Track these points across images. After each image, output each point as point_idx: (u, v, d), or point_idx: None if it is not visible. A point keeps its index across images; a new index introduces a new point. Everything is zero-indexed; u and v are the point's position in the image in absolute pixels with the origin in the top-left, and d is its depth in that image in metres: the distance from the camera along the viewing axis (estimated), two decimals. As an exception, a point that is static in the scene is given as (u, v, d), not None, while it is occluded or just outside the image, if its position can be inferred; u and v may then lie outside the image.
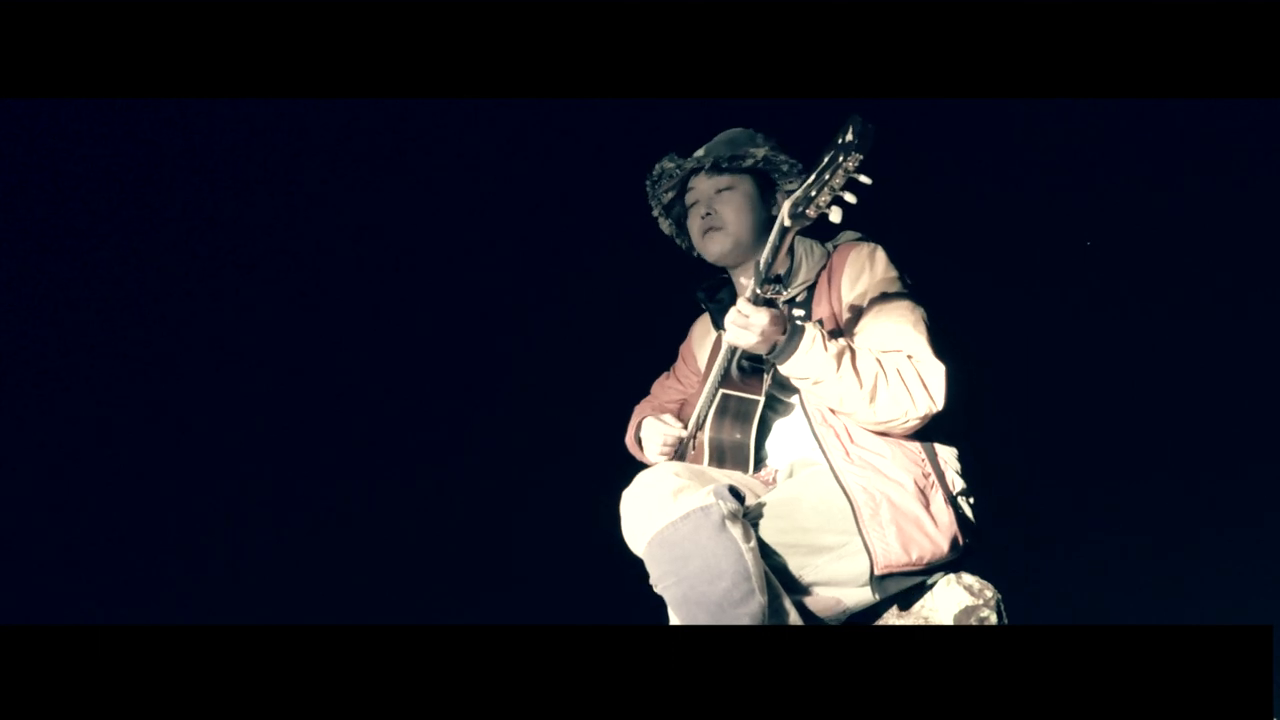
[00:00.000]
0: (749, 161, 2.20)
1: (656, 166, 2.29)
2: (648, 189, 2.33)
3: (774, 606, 1.83)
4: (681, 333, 2.54)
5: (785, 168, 2.22)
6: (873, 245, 2.19)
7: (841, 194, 1.81)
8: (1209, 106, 2.82)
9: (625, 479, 1.99)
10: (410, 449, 3.55)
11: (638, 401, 2.55)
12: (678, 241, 2.41)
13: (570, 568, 3.29)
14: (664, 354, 2.58)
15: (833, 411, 2.03)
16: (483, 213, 3.50)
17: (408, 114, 3.33)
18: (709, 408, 2.20)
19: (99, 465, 3.39)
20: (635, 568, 1.96)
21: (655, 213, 2.37)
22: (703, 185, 2.24)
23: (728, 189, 2.22)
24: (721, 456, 2.19)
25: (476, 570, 3.44)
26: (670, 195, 2.32)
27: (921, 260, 2.20)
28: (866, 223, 2.14)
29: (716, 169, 2.22)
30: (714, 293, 2.35)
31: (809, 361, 1.96)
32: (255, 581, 3.36)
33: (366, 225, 3.53)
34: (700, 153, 2.25)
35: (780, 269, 2.08)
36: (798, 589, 1.92)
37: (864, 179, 1.79)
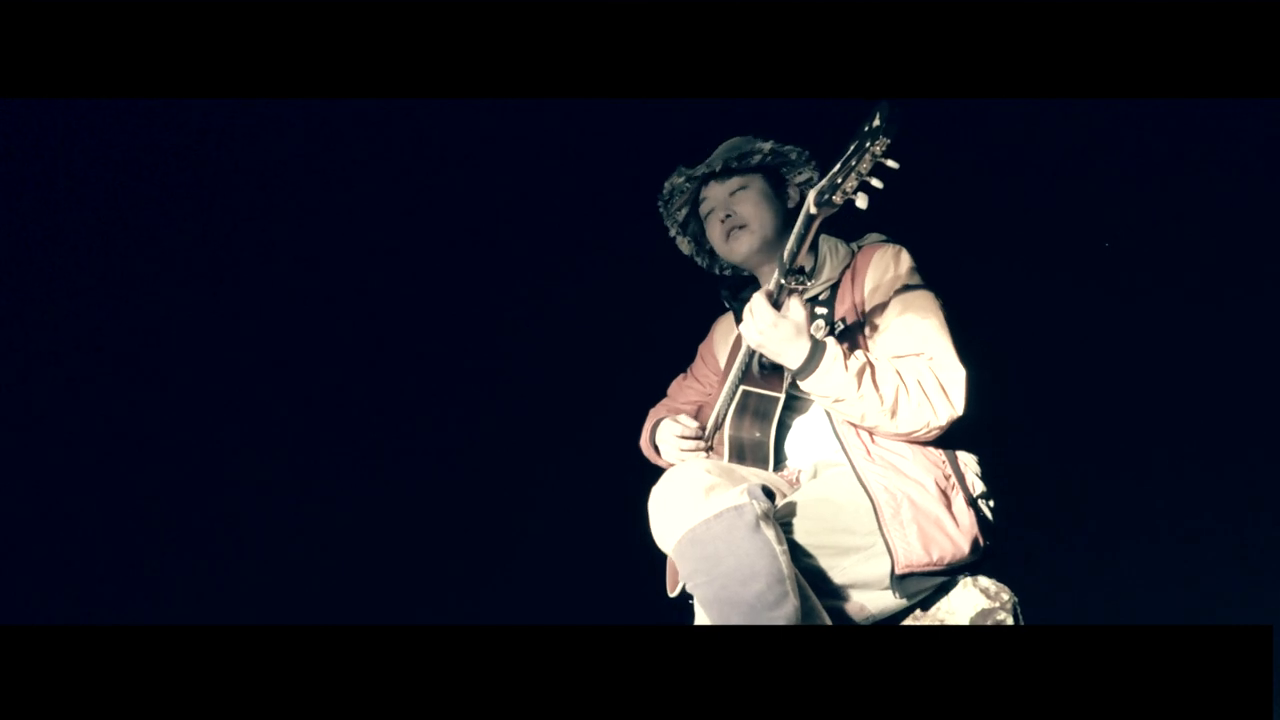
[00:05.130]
0: (757, 158, 2.21)
1: (666, 185, 2.30)
2: (660, 210, 2.35)
3: (806, 608, 1.82)
4: (694, 332, 2.53)
5: (794, 156, 2.24)
6: (897, 247, 2.18)
7: (869, 179, 1.79)
8: (1231, 107, 2.82)
9: (637, 479, 1.98)
10: (418, 450, 3.55)
11: (649, 400, 2.55)
12: (697, 261, 2.42)
13: (579, 568, 3.30)
14: (674, 353, 2.58)
15: (854, 425, 2.02)
16: (495, 214, 3.50)
17: (424, 114, 3.33)
18: (729, 405, 2.19)
19: (99, 465, 3.39)
20: (648, 567, 1.95)
21: (672, 233, 2.38)
22: (715, 192, 2.25)
23: (741, 189, 2.23)
24: (741, 454, 2.18)
25: (487, 571, 3.45)
26: (684, 211, 2.34)
27: (942, 264, 2.20)
28: (884, 224, 2.14)
29: (727, 172, 2.23)
30: (738, 291, 2.34)
31: (829, 381, 1.95)
32: (259, 581, 3.37)
33: (376, 226, 3.53)
34: (704, 166, 2.26)
35: (805, 262, 2.07)
36: (824, 593, 1.90)
37: (891, 164, 1.77)
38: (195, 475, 3.44)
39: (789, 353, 1.96)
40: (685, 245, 2.40)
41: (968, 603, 1.97)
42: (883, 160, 1.77)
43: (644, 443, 2.48)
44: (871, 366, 1.98)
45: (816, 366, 1.96)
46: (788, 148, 2.22)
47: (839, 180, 1.81)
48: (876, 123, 1.74)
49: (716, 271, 2.42)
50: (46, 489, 3.36)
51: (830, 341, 1.98)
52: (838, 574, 1.92)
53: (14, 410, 3.35)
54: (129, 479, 3.40)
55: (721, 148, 2.27)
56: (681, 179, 2.27)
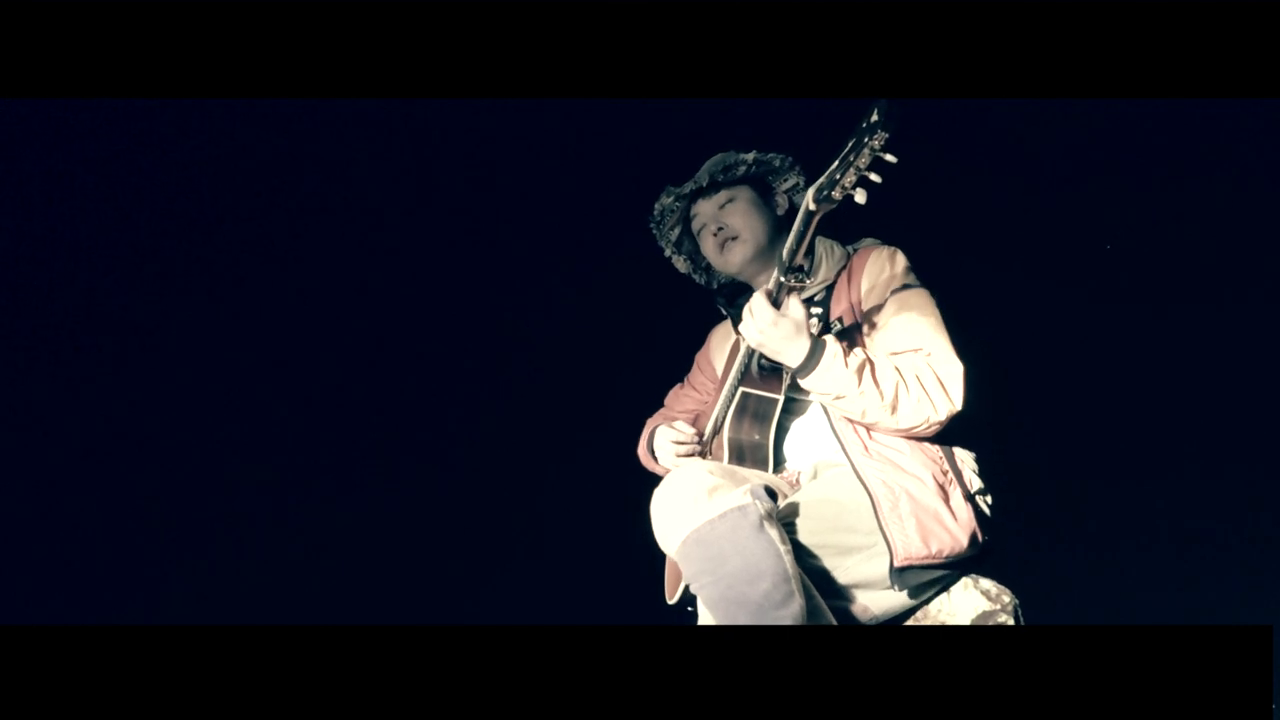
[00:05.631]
0: (742, 170, 2.25)
1: (656, 206, 2.33)
2: (654, 231, 2.38)
3: (811, 607, 1.82)
4: (695, 333, 2.54)
5: (778, 163, 2.27)
6: (892, 249, 2.20)
7: (867, 175, 1.80)
8: (1231, 107, 2.82)
9: (638, 480, 1.98)
10: (419, 451, 3.56)
11: (649, 401, 2.55)
12: (695, 278, 2.44)
13: (580, 569, 3.30)
14: (675, 355, 2.59)
15: (855, 422, 2.03)
16: (495, 214, 3.51)
17: (424, 114, 3.33)
18: (728, 407, 2.19)
19: (100, 465, 3.39)
20: (649, 569, 1.95)
21: (667, 253, 2.41)
22: (704, 208, 2.28)
23: (729, 201, 2.26)
24: (740, 456, 2.18)
25: (487, 571, 3.45)
26: (677, 230, 2.37)
27: (942, 264, 2.21)
28: (884, 223, 2.15)
29: (714, 187, 2.26)
30: (734, 297, 2.36)
31: (830, 378, 1.96)
32: (259, 581, 3.37)
33: (377, 226, 3.53)
34: (691, 183, 2.28)
35: (803, 260, 2.08)
36: (828, 592, 1.91)
37: (890, 158, 1.78)
38: (195, 475, 3.44)
39: (789, 351, 1.97)
40: (681, 264, 2.43)
41: (969, 604, 1.97)
42: (881, 155, 1.78)
43: (641, 450, 2.48)
44: (871, 363, 1.99)
45: (817, 364, 1.96)
46: (771, 156, 2.25)
47: (838, 176, 1.82)
48: (875, 118, 1.76)
49: (714, 286, 2.45)
50: (46, 489, 3.36)
51: (830, 339, 1.99)
52: (841, 574, 1.92)
53: (14, 410, 3.35)
54: (129, 479, 3.40)
55: (706, 164, 2.30)
56: (670, 199, 2.30)
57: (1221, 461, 3.06)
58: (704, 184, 2.26)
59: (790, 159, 2.27)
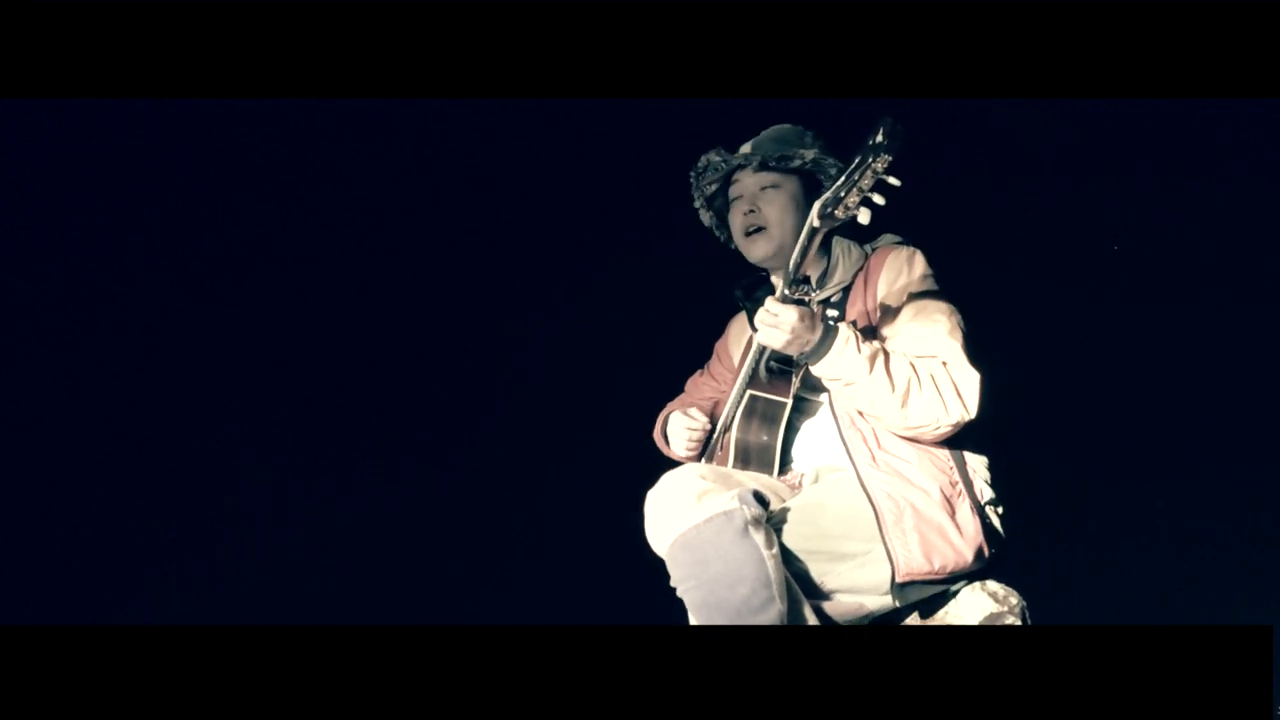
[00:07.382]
0: (797, 163, 2.17)
1: (702, 158, 2.25)
2: (691, 179, 2.29)
3: (793, 613, 1.82)
4: (709, 331, 2.53)
5: (833, 171, 2.14)
6: (911, 249, 2.18)
7: (870, 195, 1.80)
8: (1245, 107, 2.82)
9: (638, 480, 1.99)
10: (419, 451, 3.55)
11: (650, 400, 2.54)
12: (716, 234, 2.37)
13: (579, 568, 3.30)
14: (677, 354, 2.58)
15: (862, 415, 2.01)
16: (495, 214, 3.50)
17: (424, 114, 3.33)
18: (736, 409, 2.19)
19: (100, 465, 3.39)
20: (648, 568, 1.95)
21: (697, 204, 2.33)
22: (747, 181, 2.21)
23: (773, 187, 2.19)
24: (746, 458, 2.17)
25: (487, 571, 3.45)
26: (714, 188, 2.29)
27: (954, 266, 2.19)
28: (899, 226, 2.14)
29: (764, 167, 2.19)
30: (751, 291, 2.31)
31: (842, 362, 1.95)
32: (259, 581, 3.37)
33: (378, 225, 3.53)
34: (747, 148, 2.22)
35: (810, 270, 2.06)
36: (819, 595, 1.90)
37: (893, 180, 1.78)
38: (196, 475, 3.44)
39: (805, 339, 1.95)
40: (706, 218, 2.35)
41: (976, 607, 1.96)
42: (884, 177, 1.78)
43: (656, 434, 2.48)
44: (885, 354, 1.98)
45: (829, 348, 1.95)
46: (829, 161, 2.15)
47: (842, 194, 1.82)
48: (880, 138, 1.75)
49: (732, 247, 2.35)
50: (46, 489, 3.36)
51: (844, 325, 1.98)
52: (832, 579, 1.92)
53: (14, 410, 3.35)
54: (129, 479, 3.40)
55: (768, 135, 2.23)
56: (719, 158, 2.23)
57: (1221, 461, 3.06)
58: (754, 163, 2.18)
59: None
